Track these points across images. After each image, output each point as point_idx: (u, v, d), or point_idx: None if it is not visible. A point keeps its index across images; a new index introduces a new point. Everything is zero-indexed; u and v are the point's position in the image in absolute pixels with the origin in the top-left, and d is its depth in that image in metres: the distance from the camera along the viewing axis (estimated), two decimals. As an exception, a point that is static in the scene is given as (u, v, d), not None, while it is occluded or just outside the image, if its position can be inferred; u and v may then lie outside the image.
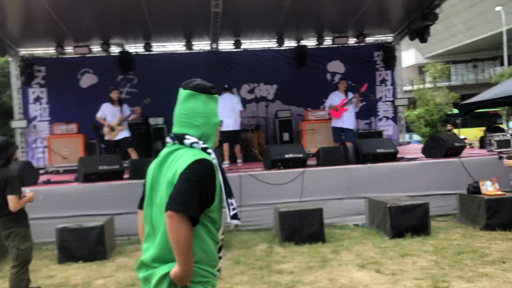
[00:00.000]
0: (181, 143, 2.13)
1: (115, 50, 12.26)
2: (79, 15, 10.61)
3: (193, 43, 12.41)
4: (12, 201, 4.39)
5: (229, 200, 2.15)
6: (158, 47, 12.61)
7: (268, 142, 12.00)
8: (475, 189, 7.04)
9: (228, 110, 9.32)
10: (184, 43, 12.33)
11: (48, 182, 7.79)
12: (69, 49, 12.02)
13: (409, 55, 40.73)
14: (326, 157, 7.88)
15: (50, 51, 12.06)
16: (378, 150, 7.91)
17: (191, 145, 2.11)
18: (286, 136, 11.83)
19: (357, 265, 5.28)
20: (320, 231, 6.42)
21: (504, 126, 17.48)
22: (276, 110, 12.14)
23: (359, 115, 12.05)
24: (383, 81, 13.21)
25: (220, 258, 2.21)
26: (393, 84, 13.22)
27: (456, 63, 39.47)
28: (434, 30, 35.10)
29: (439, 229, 6.90)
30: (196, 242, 2.02)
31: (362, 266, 5.23)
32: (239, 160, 9.76)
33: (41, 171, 10.33)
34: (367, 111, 12.38)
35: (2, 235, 4.50)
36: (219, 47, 12.74)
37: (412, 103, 24.85)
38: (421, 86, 26.21)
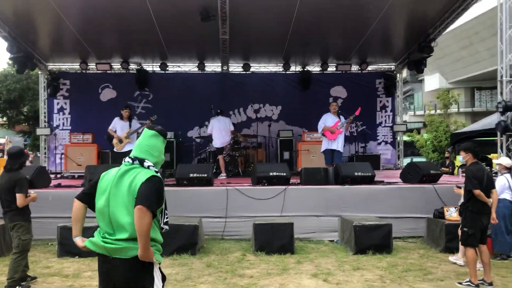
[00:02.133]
0: (141, 164, 2.97)
1: (133, 68, 13.36)
2: (101, 36, 11.80)
3: (205, 64, 13.41)
4: (19, 199, 5.34)
5: (166, 211, 3.05)
6: (173, 67, 13.68)
7: (269, 159, 12.82)
8: (440, 214, 7.64)
9: (223, 131, 10.75)
10: (197, 65, 13.31)
11: (58, 185, 8.77)
12: (92, 65, 13.20)
13: (433, 79, 40.89)
14: (307, 177, 8.61)
15: (75, 66, 13.29)
16: (356, 173, 8.58)
17: (148, 167, 2.96)
18: (286, 155, 12.61)
19: (310, 274, 5.99)
20: (290, 243, 7.14)
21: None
22: (279, 130, 12.94)
23: (356, 139, 12.77)
24: (384, 107, 13.86)
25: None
26: (392, 110, 13.85)
27: (480, 90, 39.35)
28: (459, 55, 35.54)
29: (403, 249, 7.52)
30: (152, 228, 2.87)
31: (314, 275, 5.94)
32: (222, 174, 10.66)
33: (59, 176, 11.43)
34: (362, 135, 13.04)
35: (8, 227, 5.46)
36: (230, 69, 13.69)
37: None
38: (432, 111, 26.47)
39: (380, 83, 13.85)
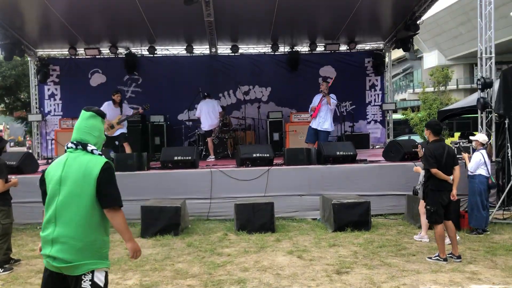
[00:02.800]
0: (84, 148, 3.02)
1: (122, 52, 13.40)
2: (88, 21, 11.82)
3: (193, 47, 13.41)
4: (-2, 184, 5.47)
5: None
6: (162, 50, 13.70)
7: (259, 141, 12.95)
8: (418, 191, 7.76)
9: (211, 113, 10.77)
10: (185, 47, 13.34)
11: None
12: (81, 51, 13.25)
13: (431, 56, 40.72)
14: (290, 157, 8.74)
15: (64, 52, 13.33)
16: (338, 153, 8.71)
17: (91, 151, 3.02)
18: (276, 136, 12.72)
19: (286, 252, 6.16)
20: (270, 222, 7.31)
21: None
22: (268, 111, 13.02)
23: (345, 118, 12.85)
24: (373, 86, 13.91)
25: None
26: (382, 89, 13.89)
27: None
28: (457, 32, 35.29)
29: (383, 226, 7.69)
30: (97, 227, 2.96)
31: (290, 252, 6.11)
32: (211, 157, 10.80)
33: (50, 161, 11.58)
34: (350, 114, 13.14)
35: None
36: (218, 51, 13.71)
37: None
38: (427, 89, 26.39)
39: (369, 62, 13.87)
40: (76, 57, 13.44)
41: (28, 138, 24.60)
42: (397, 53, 45.61)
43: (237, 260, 5.87)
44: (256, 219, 7.29)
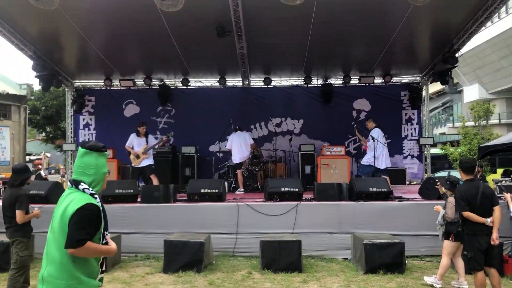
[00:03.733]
0: (77, 187, 2.92)
1: (156, 83, 13.56)
2: (124, 54, 12.11)
3: (226, 79, 13.43)
4: (18, 215, 5.41)
5: (105, 232, 2.97)
6: (195, 82, 13.78)
7: (290, 174, 12.66)
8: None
9: (242, 145, 10.70)
10: (218, 79, 13.37)
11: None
12: (116, 82, 13.49)
13: (472, 90, 39.62)
14: (320, 192, 8.40)
15: (100, 83, 13.59)
16: (371, 189, 8.30)
17: (83, 190, 2.90)
18: (307, 169, 12.39)
19: (312, 295, 5.79)
20: (297, 261, 6.95)
21: None
22: (300, 144, 12.76)
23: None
24: (409, 119, 13.46)
25: (102, 271, 3.01)
26: (419, 123, 13.43)
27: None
28: (499, 65, 34.34)
29: (418, 268, 7.19)
30: (76, 263, 2.82)
31: (316, 296, 5.74)
32: (240, 189, 10.58)
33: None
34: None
35: (10, 242, 5.54)
36: (251, 84, 13.68)
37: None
38: (467, 123, 25.46)
39: (405, 95, 13.47)
40: (111, 88, 13.66)
41: (61, 167, 25.18)
42: (436, 86, 44.73)
43: (259, 302, 5.54)
44: (282, 257, 6.95)
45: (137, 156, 9.88)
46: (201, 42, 10.85)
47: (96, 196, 2.92)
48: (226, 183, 11.31)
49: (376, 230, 7.91)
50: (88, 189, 2.90)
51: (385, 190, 8.36)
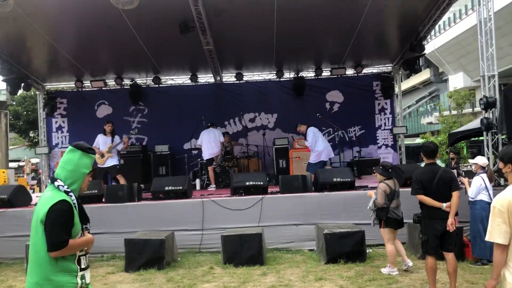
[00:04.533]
0: (52, 183, 2.92)
1: (127, 83, 13.48)
2: (93, 56, 12.05)
3: (198, 76, 13.38)
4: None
5: (84, 225, 2.96)
6: (167, 80, 13.72)
7: (264, 169, 12.65)
8: (419, 219, 7.26)
9: (211, 142, 10.73)
10: (189, 76, 13.32)
11: (39, 203, 8.83)
12: (87, 83, 13.39)
13: (457, 78, 39.73)
14: (285, 185, 8.39)
15: (71, 85, 13.50)
16: (335, 179, 8.31)
17: (57, 187, 2.89)
18: (282, 163, 12.39)
19: (268, 287, 5.78)
20: (258, 254, 6.93)
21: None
22: (274, 138, 12.75)
23: (354, 143, 12.53)
24: (382, 109, 13.49)
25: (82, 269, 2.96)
26: (392, 112, 13.45)
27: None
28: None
29: (381, 256, 7.19)
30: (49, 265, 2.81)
31: (271, 287, 5.73)
32: (212, 186, 10.56)
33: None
34: (359, 139, 12.78)
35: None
36: (223, 80, 13.64)
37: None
38: (445, 112, 25.52)
39: (377, 85, 13.48)
40: (83, 89, 13.57)
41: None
42: (423, 76, 44.99)
43: (213, 296, 5.53)
44: (243, 251, 6.94)
45: (102, 155, 9.80)
46: (167, 39, 10.77)
47: (71, 194, 2.90)
48: (198, 180, 11.33)
49: (341, 220, 7.95)
50: (63, 186, 2.89)
51: (349, 180, 8.37)
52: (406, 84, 48.21)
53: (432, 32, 39.46)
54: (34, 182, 24.94)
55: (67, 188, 2.89)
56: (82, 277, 2.93)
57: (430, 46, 37.81)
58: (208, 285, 6.05)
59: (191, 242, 8.08)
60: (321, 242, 7.15)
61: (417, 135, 32.98)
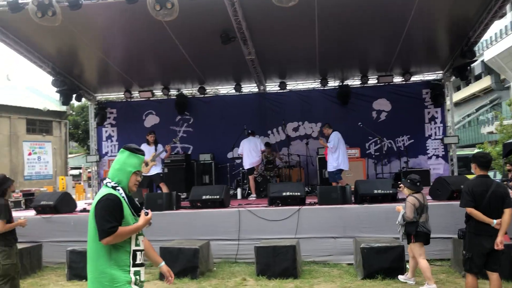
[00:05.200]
0: (103, 182, 3.16)
1: (174, 93, 13.76)
2: (141, 68, 12.44)
3: (242, 86, 13.42)
4: (-2, 224, 5.54)
5: (134, 216, 3.10)
6: (212, 90, 13.86)
7: (308, 178, 12.46)
8: (464, 234, 6.83)
9: (252, 151, 10.74)
10: (233, 86, 13.39)
11: (83, 210, 9.12)
12: (135, 93, 13.79)
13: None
14: (323, 196, 8.18)
15: (120, 95, 13.94)
16: (376, 191, 8.01)
17: (106, 184, 3.09)
18: (325, 173, 12.11)
19: (298, 301, 5.62)
20: (292, 267, 6.77)
21: None
22: (318, 148, 12.52)
23: (402, 153, 12.11)
24: (433, 118, 12.91)
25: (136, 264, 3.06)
26: (442, 121, 12.85)
27: None
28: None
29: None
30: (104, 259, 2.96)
31: (301, 302, 5.56)
32: (253, 195, 10.48)
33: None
34: (406, 150, 12.31)
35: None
36: (267, 89, 13.60)
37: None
38: (505, 121, 24.00)
39: (427, 93, 12.93)
40: (131, 99, 13.97)
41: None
42: (483, 83, 42.95)
43: (241, 308, 5.43)
44: (277, 263, 6.81)
45: (146, 164, 10.02)
46: (210, 50, 10.88)
47: (118, 188, 3.04)
48: (239, 189, 11.31)
49: (381, 233, 7.62)
50: (110, 182, 3.07)
51: (391, 192, 8.04)
52: (466, 92, 46.24)
53: (493, 37, 37.86)
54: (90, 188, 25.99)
55: (115, 183, 3.04)
56: (136, 273, 3.02)
57: (491, 52, 36.18)
58: (238, 297, 5.96)
59: (228, 252, 8.04)
60: (359, 256, 6.88)
61: (473, 145, 31.42)
